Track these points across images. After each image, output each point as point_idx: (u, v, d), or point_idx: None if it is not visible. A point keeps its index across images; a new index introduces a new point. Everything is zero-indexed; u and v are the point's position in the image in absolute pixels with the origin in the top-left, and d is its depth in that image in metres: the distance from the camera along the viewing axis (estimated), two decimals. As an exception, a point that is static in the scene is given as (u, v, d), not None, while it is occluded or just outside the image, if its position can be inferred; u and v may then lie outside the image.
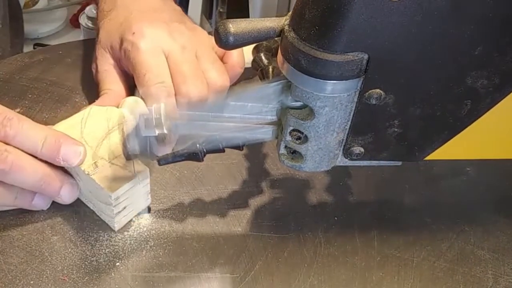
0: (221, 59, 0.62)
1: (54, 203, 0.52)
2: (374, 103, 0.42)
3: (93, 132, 0.53)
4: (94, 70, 0.63)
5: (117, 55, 0.60)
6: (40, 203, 0.52)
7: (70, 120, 0.54)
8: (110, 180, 0.49)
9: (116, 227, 0.52)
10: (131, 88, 0.59)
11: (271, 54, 0.58)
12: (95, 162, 0.50)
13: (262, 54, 0.57)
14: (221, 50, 0.61)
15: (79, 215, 0.53)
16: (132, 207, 0.52)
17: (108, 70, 0.61)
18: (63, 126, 0.53)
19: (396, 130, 0.45)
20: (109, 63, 0.61)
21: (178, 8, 0.66)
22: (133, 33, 0.57)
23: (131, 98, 0.57)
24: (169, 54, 0.58)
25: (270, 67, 0.56)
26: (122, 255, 0.50)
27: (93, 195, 0.51)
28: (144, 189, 0.52)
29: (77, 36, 1.31)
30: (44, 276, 0.48)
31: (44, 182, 0.50)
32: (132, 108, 0.55)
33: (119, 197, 0.50)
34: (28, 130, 0.49)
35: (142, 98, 0.56)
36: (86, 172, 0.49)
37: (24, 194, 0.50)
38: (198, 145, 0.48)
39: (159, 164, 0.49)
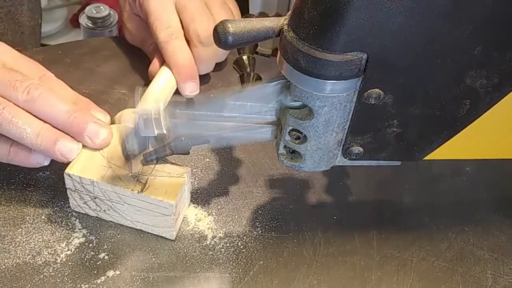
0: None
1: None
2: (373, 102, 0.42)
3: (115, 152, 0.51)
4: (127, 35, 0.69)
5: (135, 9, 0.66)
6: (38, 158, 0.51)
7: (86, 149, 0.51)
8: (163, 191, 0.48)
9: (174, 235, 0.51)
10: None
11: (254, 60, 0.59)
12: (136, 180, 0.49)
13: (245, 57, 0.58)
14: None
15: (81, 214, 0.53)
16: (181, 209, 0.52)
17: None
18: (83, 157, 0.50)
19: (395, 130, 0.45)
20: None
21: None
22: None
23: (129, 110, 0.56)
24: (177, 1, 0.62)
25: (252, 74, 0.57)
26: (122, 255, 0.50)
27: (142, 214, 0.50)
28: (188, 189, 0.52)
29: (77, 36, 1.31)
30: (42, 276, 0.48)
31: (40, 136, 0.49)
32: (131, 119, 0.53)
33: (177, 204, 0.49)
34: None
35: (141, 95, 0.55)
36: (136, 192, 0.48)
37: (19, 147, 0.50)
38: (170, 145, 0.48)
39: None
